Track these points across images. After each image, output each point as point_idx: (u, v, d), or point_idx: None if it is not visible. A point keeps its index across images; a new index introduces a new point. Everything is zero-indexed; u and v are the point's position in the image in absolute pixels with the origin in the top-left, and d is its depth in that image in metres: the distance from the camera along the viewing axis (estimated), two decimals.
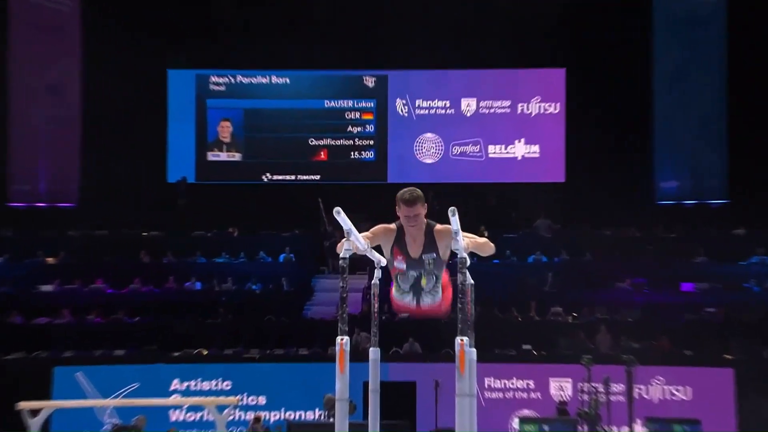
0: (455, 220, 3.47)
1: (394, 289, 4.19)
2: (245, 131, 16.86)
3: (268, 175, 16.79)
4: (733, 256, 14.30)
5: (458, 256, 3.55)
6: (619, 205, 15.35)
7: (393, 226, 4.09)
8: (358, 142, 16.77)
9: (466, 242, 3.67)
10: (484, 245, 3.95)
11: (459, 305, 3.57)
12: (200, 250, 15.15)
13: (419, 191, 3.97)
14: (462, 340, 3.57)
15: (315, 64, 16.64)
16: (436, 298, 4.10)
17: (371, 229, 4.02)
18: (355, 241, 3.68)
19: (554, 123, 16.58)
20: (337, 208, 3.32)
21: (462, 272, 3.57)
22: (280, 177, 16.84)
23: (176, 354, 11.86)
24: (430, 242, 4.02)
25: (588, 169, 16.04)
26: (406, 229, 4.01)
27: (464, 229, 3.82)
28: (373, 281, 4.71)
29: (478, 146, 16.60)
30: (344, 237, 3.65)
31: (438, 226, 3.99)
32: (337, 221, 3.53)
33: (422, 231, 4.01)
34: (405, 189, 3.99)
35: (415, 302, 4.09)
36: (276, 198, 16.42)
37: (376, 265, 4.47)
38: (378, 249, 4.22)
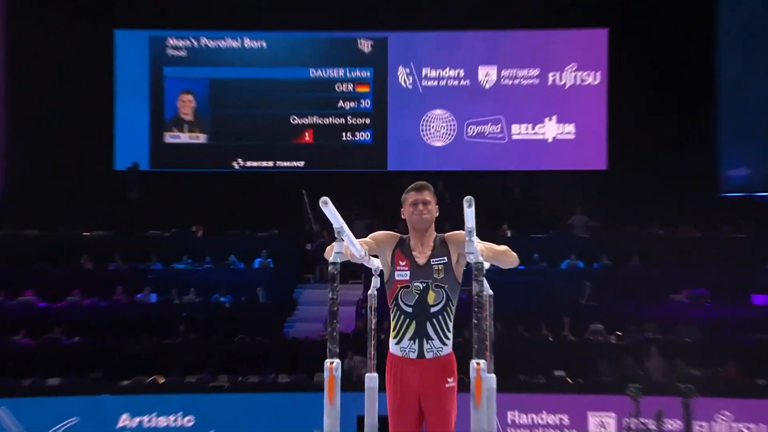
0: (470, 213, 3.44)
1: (391, 338, 4.18)
2: (211, 107, 16.83)
3: (239, 161, 16.73)
4: None
5: (473, 260, 3.54)
6: (674, 199, 15.46)
7: (396, 233, 4.24)
8: (351, 120, 16.75)
9: (480, 248, 3.66)
10: (503, 254, 3.97)
11: (474, 321, 3.56)
12: (156, 254, 15.16)
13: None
14: (478, 363, 3.56)
15: (298, 24, 16.58)
16: (443, 348, 4.09)
17: (370, 234, 4.12)
18: (348, 242, 3.70)
19: (594, 97, 16.57)
20: (324, 198, 3.30)
21: (478, 280, 3.53)
22: (254, 163, 16.79)
23: (125, 383, 11.73)
24: (441, 245, 4.14)
25: (635, 153, 16.04)
26: (412, 232, 4.13)
27: (482, 227, 3.88)
28: (369, 292, 4.75)
29: (499, 126, 16.60)
30: (334, 238, 3.68)
31: (449, 233, 4.14)
32: (326, 217, 3.54)
33: (431, 232, 4.15)
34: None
35: (417, 349, 4.05)
36: (250, 190, 16.41)
37: (374, 272, 4.52)
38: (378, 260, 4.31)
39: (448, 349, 4.11)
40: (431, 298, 4.11)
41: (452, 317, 4.15)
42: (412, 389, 4.03)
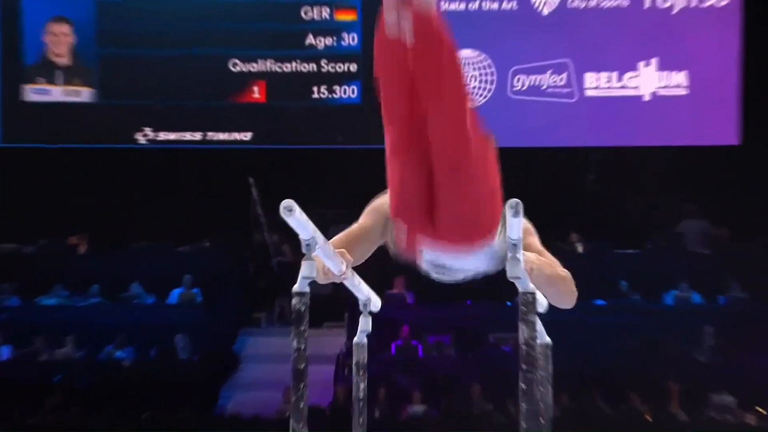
0: (517, 224, 3.66)
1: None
2: (100, 44, 16.39)
3: (147, 131, 16.35)
4: None
5: (521, 288, 3.74)
6: None
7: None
8: (327, 66, 16.47)
9: (531, 264, 3.92)
10: (561, 282, 4.16)
11: (522, 386, 3.69)
12: (11, 283, 15.53)
13: None
14: None
15: None
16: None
17: (364, 213, 4.43)
18: (324, 257, 3.87)
19: (719, 27, 16.20)
20: (288, 203, 3.44)
21: (527, 320, 3.72)
22: (171, 135, 16.39)
23: None
24: None
25: None
26: None
27: (540, 237, 4.27)
28: (356, 340, 5.02)
29: (565, 75, 16.42)
30: (301, 254, 3.82)
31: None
32: (287, 224, 3.68)
33: None
34: None
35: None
36: (164, 178, 16.64)
37: (361, 308, 4.92)
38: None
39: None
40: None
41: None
42: None
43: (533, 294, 3.77)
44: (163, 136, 16.38)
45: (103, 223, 16.16)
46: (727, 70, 16.17)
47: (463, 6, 16.55)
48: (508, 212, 3.61)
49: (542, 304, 4.43)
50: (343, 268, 4.09)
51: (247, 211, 16.33)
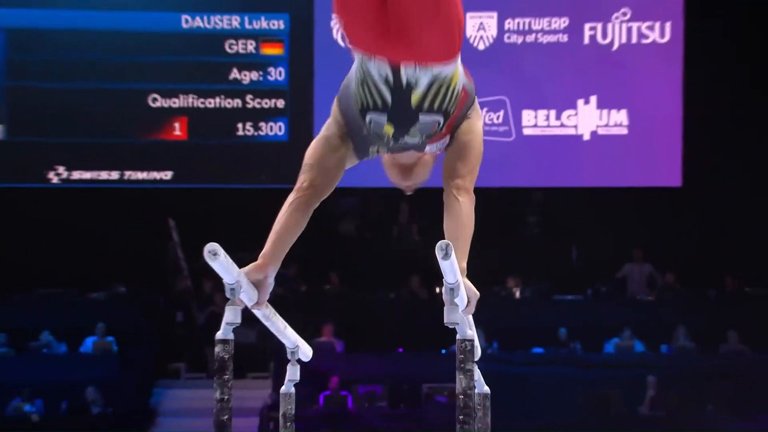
0: (449, 267, 3.57)
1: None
2: (9, 77, 16.29)
3: (59, 170, 16.20)
4: None
5: (459, 337, 3.78)
6: None
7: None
8: (252, 102, 16.38)
9: (470, 296, 3.99)
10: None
11: None
12: None
13: None
14: None
15: None
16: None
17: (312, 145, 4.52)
18: (246, 300, 3.93)
19: (660, 65, 16.16)
20: (213, 247, 3.43)
21: (465, 370, 3.75)
22: (86, 174, 16.29)
23: None
24: None
25: (731, 162, 15.96)
26: None
27: (474, 281, 4.11)
28: (282, 390, 5.01)
29: (501, 113, 16.28)
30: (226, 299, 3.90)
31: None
32: (210, 268, 3.66)
33: None
34: None
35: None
36: (78, 219, 16.29)
37: (289, 356, 4.92)
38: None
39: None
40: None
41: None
42: None
43: (471, 341, 3.77)
44: (77, 175, 16.14)
45: (12, 266, 16.01)
46: (669, 109, 16.12)
47: None
48: (439, 254, 3.51)
49: (478, 353, 4.36)
50: (268, 312, 4.19)
51: (165, 254, 16.34)
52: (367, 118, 4.30)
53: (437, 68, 4.24)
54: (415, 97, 4.24)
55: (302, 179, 4.29)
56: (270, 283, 4.13)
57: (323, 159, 4.34)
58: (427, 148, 4.38)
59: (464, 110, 4.41)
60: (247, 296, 3.96)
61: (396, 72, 4.21)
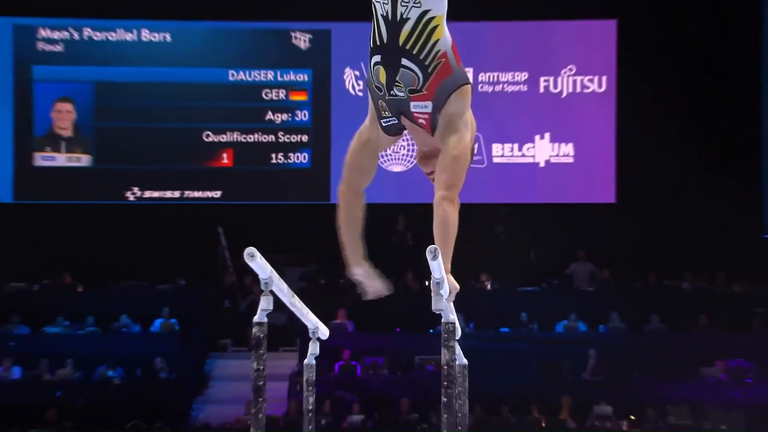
0: (436, 266, 3.64)
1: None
2: (98, 119, 16.78)
3: (135, 190, 16.70)
4: None
5: (443, 320, 3.74)
6: (706, 242, 15.56)
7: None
8: (283, 137, 16.82)
9: (451, 289, 3.97)
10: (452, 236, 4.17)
11: (444, 399, 3.71)
12: (19, 314, 15.44)
13: None
14: None
15: (213, 12, 16.72)
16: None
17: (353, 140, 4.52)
18: (279, 292, 3.97)
19: (598, 109, 16.67)
20: (251, 251, 3.52)
21: (448, 346, 3.70)
22: (155, 194, 16.79)
23: None
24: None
25: (653, 182, 16.30)
26: None
27: (454, 276, 4.08)
28: (306, 362, 5.08)
29: (476, 146, 16.24)
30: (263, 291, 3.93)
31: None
32: (249, 267, 3.75)
33: None
34: None
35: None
36: (149, 228, 16.46)
37: (310, 335, 4.91)
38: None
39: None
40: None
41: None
42: None
43: (453, 324, 3.79)
44: (148, 194, 16.72)
45: (98, 265, 16.08)
46: (605, 142, 16.62)
47: None
48: (428, 256, 3.60)
49: (458, 332, 4.36)
50: (293, 300, 4.34)
51: (215, 256, 16.46)
52: (372, 61, 4.36)
53: (427, 3, 4.28)
54: (403, 35, 4.27)
55: (340, 182, 4.51)
56: (367, 270, 4.40)
57: (354, 157, 4.50)
58: (413, 106, 4.31)
59: (446, 85, 4.31)
60: (371, 284, 4.34)
61: (394, 5, 4.26)
